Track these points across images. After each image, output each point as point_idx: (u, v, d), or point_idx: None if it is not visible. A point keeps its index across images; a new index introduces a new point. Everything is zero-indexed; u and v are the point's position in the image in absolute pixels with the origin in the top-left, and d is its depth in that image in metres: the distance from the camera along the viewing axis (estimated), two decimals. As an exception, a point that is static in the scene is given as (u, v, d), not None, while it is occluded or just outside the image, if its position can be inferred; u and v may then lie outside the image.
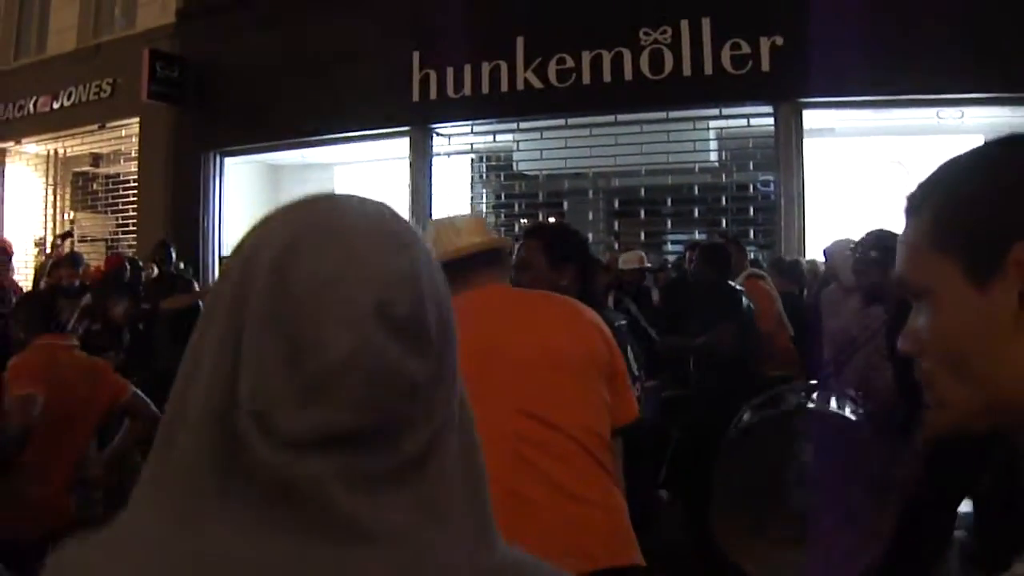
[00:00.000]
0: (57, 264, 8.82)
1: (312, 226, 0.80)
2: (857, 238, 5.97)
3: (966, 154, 0.91)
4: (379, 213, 0.85)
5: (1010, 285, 0.81)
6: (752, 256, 8.37)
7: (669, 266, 8.71)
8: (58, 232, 13.12)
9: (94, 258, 11.22)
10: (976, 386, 0.85)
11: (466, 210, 10.99)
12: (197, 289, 7.51)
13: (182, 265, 9.45)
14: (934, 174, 0.91)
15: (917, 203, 0.91)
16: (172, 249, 9.18)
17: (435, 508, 0.80)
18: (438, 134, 11.04)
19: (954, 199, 0.87)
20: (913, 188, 0.92)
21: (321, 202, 0.84)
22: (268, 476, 0.74)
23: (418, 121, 10.85)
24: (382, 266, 0.79)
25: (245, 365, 0.75)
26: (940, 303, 0.87)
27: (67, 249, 10.19)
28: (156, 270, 8.78)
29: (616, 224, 11.26)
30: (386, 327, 0.76)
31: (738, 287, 5.87)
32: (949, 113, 9.10)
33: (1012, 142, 0.89)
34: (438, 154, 11.07)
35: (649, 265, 8.11)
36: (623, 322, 4.47)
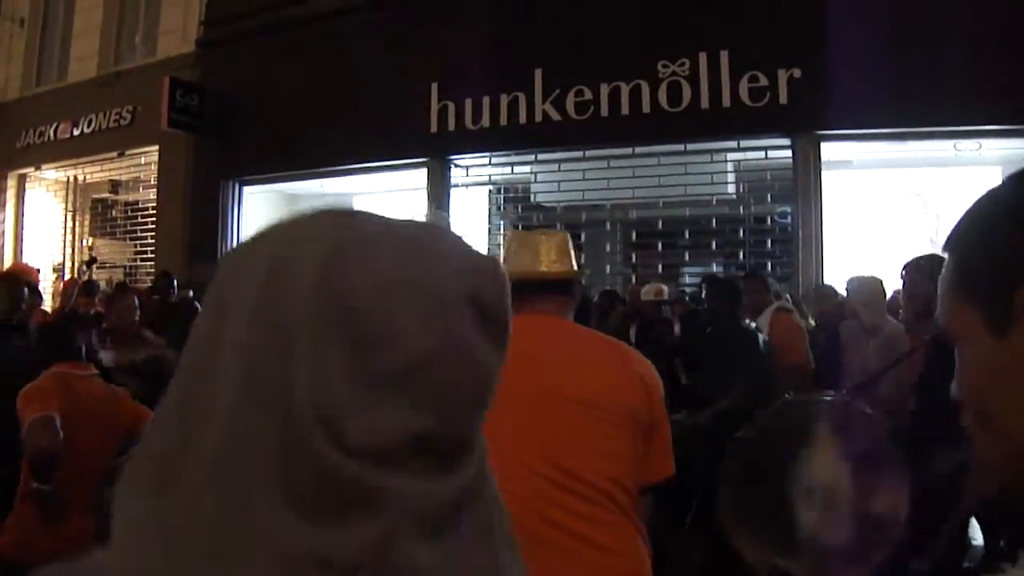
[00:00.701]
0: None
1: (358, 231, 0.73)
2: (878, 275, 5.99)
3: (988, 195, 0.87)
4: (422, 220, 0.79)
5: None
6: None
7: (687, 298, 8.70)
8: (81, 259, 13.18)
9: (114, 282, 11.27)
10: (1001, 441, 0.82)
11: (483, 241, 11.04)
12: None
13: (191, 292, 9.40)
14: (961, 217, 0.88)
15: (946, 248, 0.89)
16: (175, 279, 9.18)
17: (486, 539, 0.75)
18: (456, 165, 11.06)
19: (970, 245, 0.85)
20: (950, 230, 0.90)
21: (351, 213, 0.77)
22: (347, 487, 0.67)
23: (436, 152, 10.88)
24: (467, 257, 0.74)
25: (299, 375, 0.67)
26: (967, 352, 0.85)
27: (86, 277, 10.22)
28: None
29: (633, 256, 11.22)
30: (476, 318, 0.71)
31: (752, 326, 5.82)
32: (967, 145, 9.10)
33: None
34: (456, 185, 11.10)
35: (667, 297, 8.11)
36: None
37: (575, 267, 2.66)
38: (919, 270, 5.29)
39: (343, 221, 0.76)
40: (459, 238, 0.79)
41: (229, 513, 0.67)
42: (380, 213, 0.79)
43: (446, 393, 0.70)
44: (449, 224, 0.82)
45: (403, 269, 0.70)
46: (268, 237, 0.76)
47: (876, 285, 5.90)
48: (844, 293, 6.71)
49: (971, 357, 0.84)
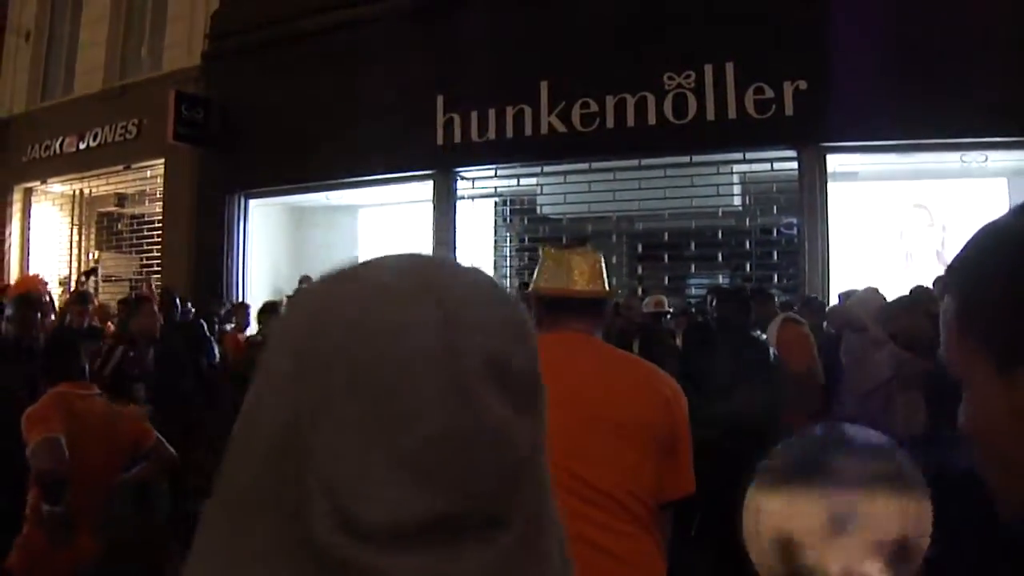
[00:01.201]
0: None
1: (391, 287, 0.68)
2: (880, 288, 5.98)
3: (989, 228, 0.84)
4: (462, 265, 0.73)
5: None
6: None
7: (693, 310, 8.69)
8: (83, 269, 13.16)
9: (119, 297, 11.22)
10: (1012, 479, 0.81)
11: (488, 254, 11.04)
12: (206, 332, 7.47)
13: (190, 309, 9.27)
14: (962, 251, 0.85)
15: (948, 282, 0.86)
16: (176, 296, 9.02)
17: None
18: (462, 177, 11.07)
19: (977, 284, 0.82)
20: (949, 264, 0.87)
21: (391, 259, 0.73)
22: (347, 570, 0.63)
23: (442, 164, 10.89)
24: (490, 315, 0.68)
25: (319, 447, 0.64)
26: (972, 391, 0.83)
27: (89, 287, 10.20)
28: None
29: (639, 268, 11.25)
30: (497, 384, 0.66)
31: (762, 337, 5.80)
32: (973, 156, 9.08)
33: None
34: (462, 197, 11.10)
35: (670, 309, 8.10)
36: None
37: (607, 287, 2.66)
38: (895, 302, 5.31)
39: (381, 271, 0.71)
40: (495, 286, 0.73)
41: None
42: (420, 255, 0.74)
43: (467, 472, 0.65)
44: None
45: (429, 336, 0.65)
46: (310, 293, 0.74)
47: (881, 297, 5.90)
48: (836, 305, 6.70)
49: (977, 396, 0.83)
